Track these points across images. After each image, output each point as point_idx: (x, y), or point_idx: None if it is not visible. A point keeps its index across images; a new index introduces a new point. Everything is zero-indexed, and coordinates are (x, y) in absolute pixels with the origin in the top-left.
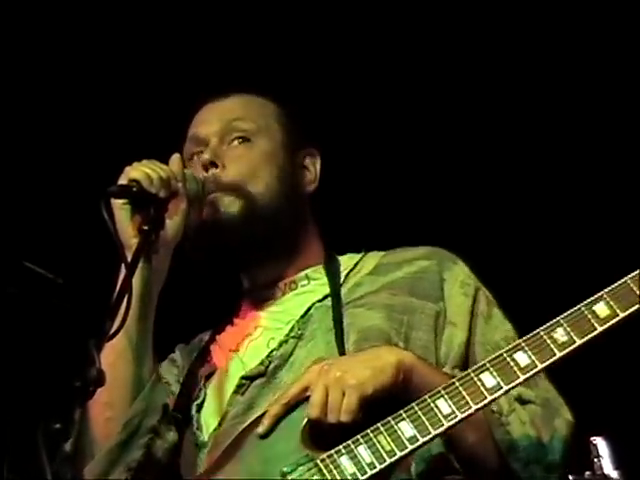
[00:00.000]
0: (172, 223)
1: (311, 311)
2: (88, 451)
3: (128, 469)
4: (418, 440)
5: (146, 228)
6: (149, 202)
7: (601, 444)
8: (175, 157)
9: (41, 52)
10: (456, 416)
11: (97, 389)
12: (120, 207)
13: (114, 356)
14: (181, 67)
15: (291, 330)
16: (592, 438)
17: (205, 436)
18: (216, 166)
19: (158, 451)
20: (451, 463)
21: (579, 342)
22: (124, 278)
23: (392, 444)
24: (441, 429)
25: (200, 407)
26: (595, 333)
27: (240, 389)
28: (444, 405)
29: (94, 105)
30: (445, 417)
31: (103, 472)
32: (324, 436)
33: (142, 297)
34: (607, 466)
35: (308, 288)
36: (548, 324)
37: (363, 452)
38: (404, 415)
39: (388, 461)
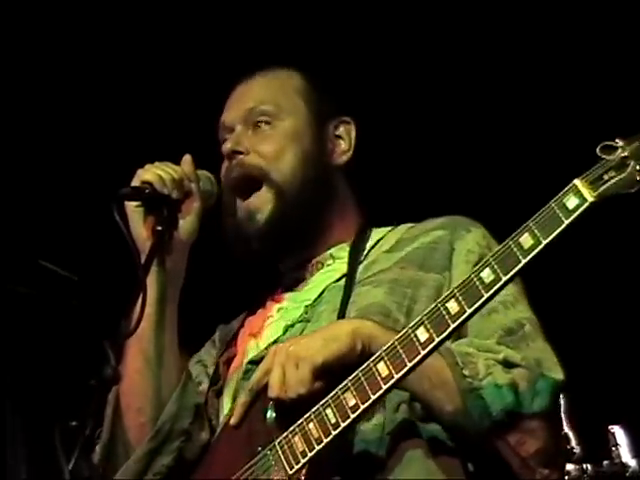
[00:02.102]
0: (186, 223)
1: (324, 293)
2: (124, 456)
3: (155, 474)
4: (359, 407)
5: (159, 229)
6: (162, 203)
7: (619, 432)
8: (186, 158)
9: (59, 55)
10: (392, 376)
11: (113, 387)
12: (133, 209)
13: (140, 362)
14: (195, 69)
15: (301, 314)
16: (610, 427)
17: (219, 421)
18: (240, 153)
19: (189, 453)
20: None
21: (505, 278)
22: (138, 280)
23: (337, 415)
24: (380, 392)
25: (219, 393)
26: (520, 266)
27: (246, 374)
28: (383, 367)
29: (109, 105)
30: (383, 379)
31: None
32: (292, 413)
33: (158, 300)
34: (625, 454)
35: (331, 267)
36: (477, 266)
37: (312, 428)
38: (349, 384)
39: (333, 433)
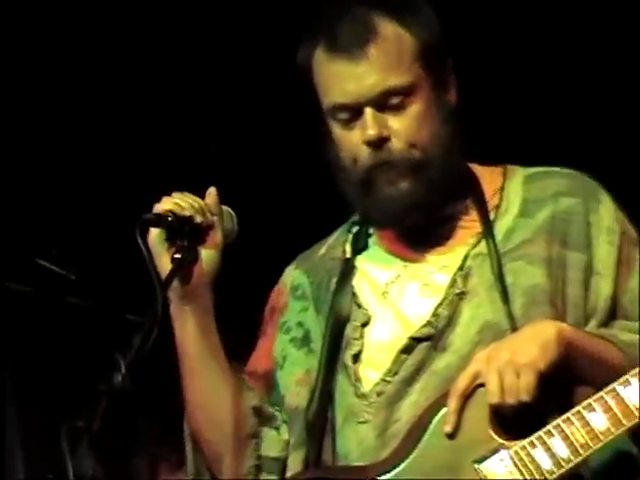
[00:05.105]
0: (207, 254)
1: (468, 262)
2: None
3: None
4: (612, 433)
5: (178, 256)
6: (183, 232)
7: None
8: (211, 190)
9: (86, 72)
10: None
11: (122, 395)
12: (155, 238)
13: (199, 398)
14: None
15: (452, 285)
16: None
17: (365, 388)
18: (386, 140)
19: (271, 450)
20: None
21: None
22: (155, 304)
23: (586, 437)
24: (635, 421)
25: (357, 358)
26: None
27: (407, 349)
28: (634, 394)
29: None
30: (637, 408)
31: None
32: (508, 421)
33: (198, 336)
34: None
35: (459, 225)
36: None
37: (558, 445)
38: (594, 405)
39: (583, 455)
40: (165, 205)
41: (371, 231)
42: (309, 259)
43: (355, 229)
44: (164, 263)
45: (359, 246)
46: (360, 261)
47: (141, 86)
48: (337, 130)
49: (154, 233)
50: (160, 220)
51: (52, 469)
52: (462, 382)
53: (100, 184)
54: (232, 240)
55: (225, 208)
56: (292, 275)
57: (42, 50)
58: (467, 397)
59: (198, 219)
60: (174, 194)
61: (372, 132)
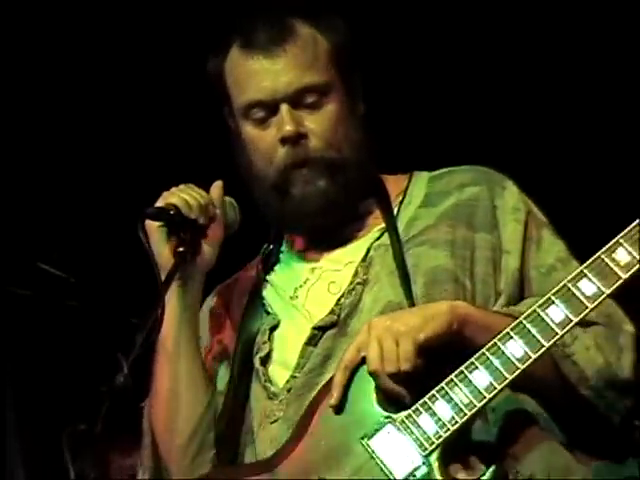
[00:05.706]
0: (208, 249)
1: (370, 253)
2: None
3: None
4: (495, 388)
5: (181, 250)
6: (186, 227)
7: None
8: (218, 183)
9: (87, 69)
10: (530, 357)
11: (124, 396)
12: (156, 229)
13: (171, 382)
14: None
15: (355, 275)
16: None
17: (278, 387)
18: (304, 137)
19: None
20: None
21: None
22: (157, 297)
23: (469, 396)
24: (517, 373)
25: (265, 360)
26: None
27: (312, 340)
28: (515, 347)
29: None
30: (519, 360)
31: None
32: (395, 392)
33: (181, 322)
34: None
35: (363, 223)
36: (608, 245)
37: (442, 408)
38: (477, 364)
39: (468, 414)
40: (171, 199)
41: (283, 248)
42: (227, 285)
43: (268, 250)
44: (165, 256)
45: (270, 262)
46: (272, 275)
47: (140, 91)
48: (251, 130)
49: (154, 226)
50: (162, 214)
51: (53, 473)
52: (347, 355)
53: (101, 187)
54: (234, 231)
55: (228, 199)
56: (211, 302)
57: (41, 58)
58: (354, 372)
59: (202, 220)
60: (181, 186)
61: (289, 128)
